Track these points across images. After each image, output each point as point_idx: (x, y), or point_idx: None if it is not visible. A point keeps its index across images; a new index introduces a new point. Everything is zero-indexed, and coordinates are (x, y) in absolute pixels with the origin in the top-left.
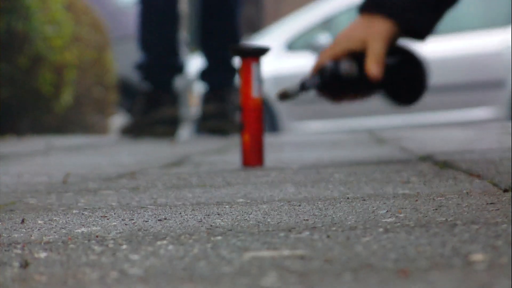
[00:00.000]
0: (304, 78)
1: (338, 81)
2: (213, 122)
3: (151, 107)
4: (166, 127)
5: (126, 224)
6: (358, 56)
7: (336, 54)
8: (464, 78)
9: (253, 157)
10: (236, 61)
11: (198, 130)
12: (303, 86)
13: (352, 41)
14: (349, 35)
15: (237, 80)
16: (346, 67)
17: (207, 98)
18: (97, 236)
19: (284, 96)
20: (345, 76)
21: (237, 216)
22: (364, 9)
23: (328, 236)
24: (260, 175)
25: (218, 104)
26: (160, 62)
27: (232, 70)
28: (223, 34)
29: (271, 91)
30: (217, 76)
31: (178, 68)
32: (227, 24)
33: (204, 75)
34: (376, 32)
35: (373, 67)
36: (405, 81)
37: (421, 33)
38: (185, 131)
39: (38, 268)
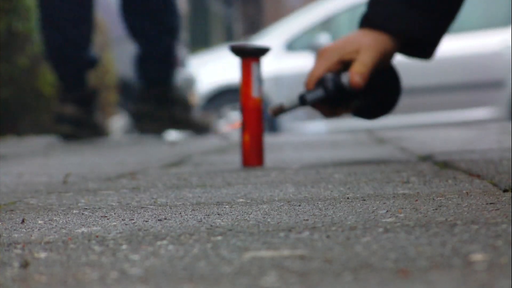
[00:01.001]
0: (303, 92)
1: (341, 93)
2: (148, 123)
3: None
4: (67, 127)
5: (126, 224)
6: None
7: (331, 66)
8: (464, 78)
9: (253, 157)
10: (176, 50)
11: (134, 130)
12: (303, 100)
13: (346, 51)
14: (343, 45)
15: (177, 75)
16: (348, 79)
17: (143, 97)
18: (97, 236)
19: (279, 111)
20: (348, 88)
21: (237, 216)
22: (362, 24)
23: (328, 236)
24: (260, 175)
25: (153, 104)
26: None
27: (168, 62)
28: (150, 12)
29: (271, 91)
30: (152, 67)
31: (88, 63)
32: None
33: (138, 64)
34: (369, 43)
35: (357, 76)
36: (381, 96)
37: (425, 50)
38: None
39: (38, 268)
